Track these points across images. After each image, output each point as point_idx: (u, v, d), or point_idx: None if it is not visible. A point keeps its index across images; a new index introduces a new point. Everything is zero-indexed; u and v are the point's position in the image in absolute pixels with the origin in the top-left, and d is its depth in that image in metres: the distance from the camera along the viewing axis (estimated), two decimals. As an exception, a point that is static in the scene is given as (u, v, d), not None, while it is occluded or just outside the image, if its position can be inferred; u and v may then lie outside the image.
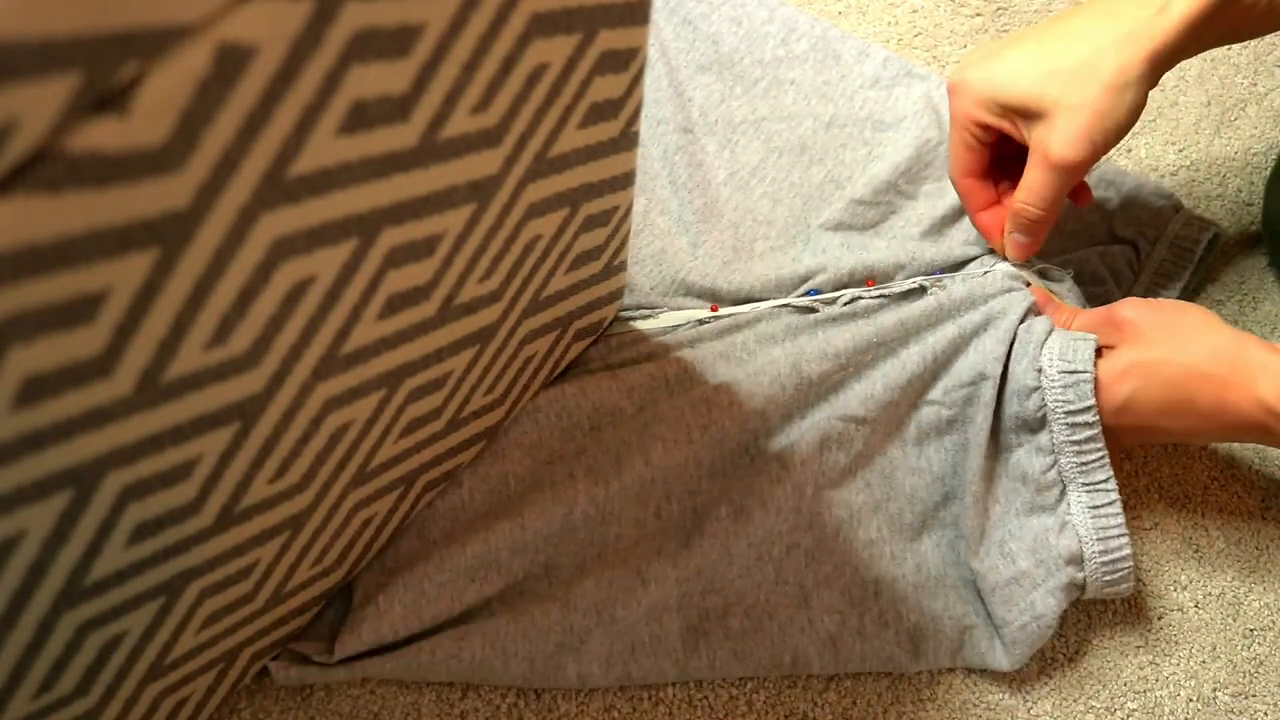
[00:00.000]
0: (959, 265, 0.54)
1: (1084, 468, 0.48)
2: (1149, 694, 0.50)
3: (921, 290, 0.52)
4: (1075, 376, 0.47)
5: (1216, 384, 0.44)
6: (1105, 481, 0.48)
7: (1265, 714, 0.51)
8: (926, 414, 0.50)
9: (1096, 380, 0.46)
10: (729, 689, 0.49)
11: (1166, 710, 0.50)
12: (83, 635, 0.32)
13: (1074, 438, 0.47)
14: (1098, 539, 0.47)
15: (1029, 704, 0.50)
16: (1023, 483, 0.49)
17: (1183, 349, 0.45)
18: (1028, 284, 0.52)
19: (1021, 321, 0.50)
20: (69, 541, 0.29)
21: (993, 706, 0.49)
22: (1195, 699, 0.51)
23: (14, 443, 0.25)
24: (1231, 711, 0.51)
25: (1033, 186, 0.48)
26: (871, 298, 0.52)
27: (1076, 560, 0.47)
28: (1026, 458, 0.49)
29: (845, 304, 0.52)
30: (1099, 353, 0.48)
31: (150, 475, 0.29)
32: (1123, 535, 0.47)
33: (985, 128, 0.49)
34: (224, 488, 0.33)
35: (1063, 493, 0.48)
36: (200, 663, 0.40)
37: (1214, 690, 0.51)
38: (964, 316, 0.50)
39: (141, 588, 0.33)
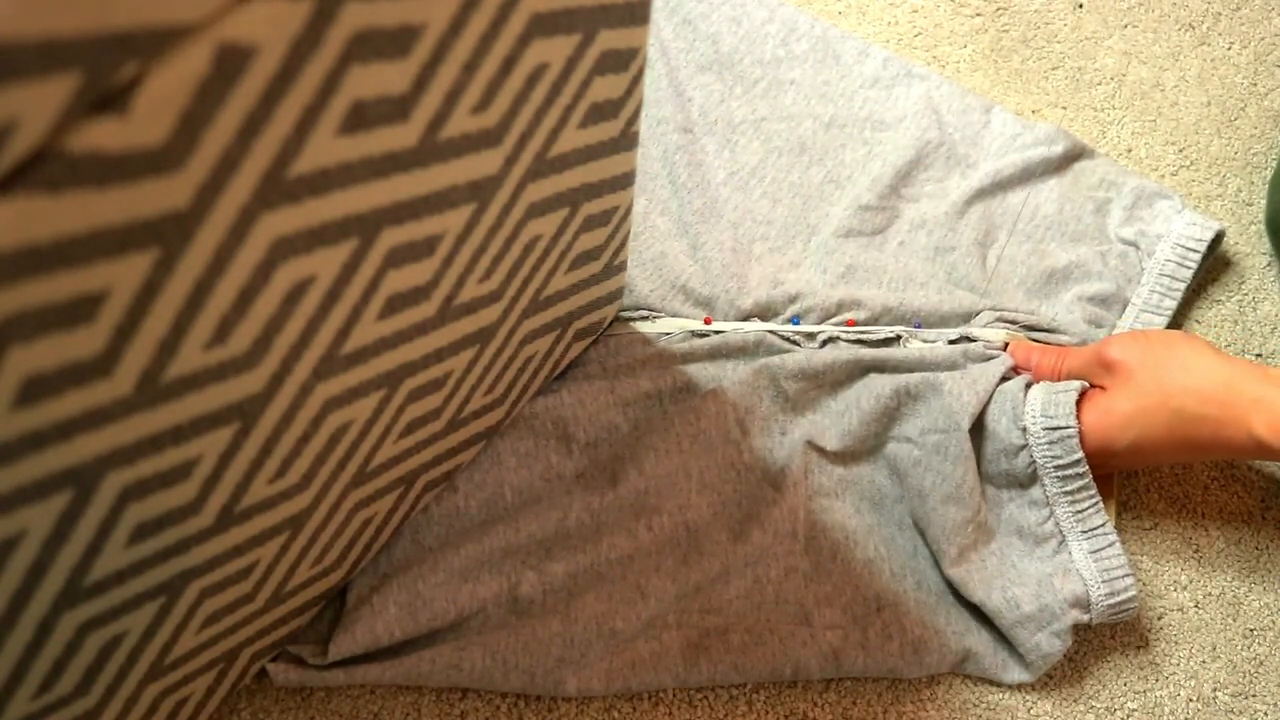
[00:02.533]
0: (943, 320, 0.54)
1: (1080, 516, 0.49)
2: (1149, 694, 0.50)
3: (898, 339, 0.53)
4: (1059, 433, 0.48)
5: (1211, 424, 0.45)
6: (1102, 526, 0.49)
7: (1265, 714, 0.50)
8: (904, 450, 0.51)
9: (1096, 429, 0.47)
10: (729, 689, 0.49)
11: (1166, 710, 0.50)
12: (83, 635, 0.32)
13: (1066, 489, 0.49)
14: (1103, 581, 0.48)
15: (1029, 704, 0.50)
16: (1019, 537, 0.50)
17: (1174, 393, 0.46)
18: (1004, 345, 0.53)
19: (1000, 381, 0.51)
20: (69, 541, 0.29)
21: (993, 706, 0.49)
22: (1195, 699, 0.51)
23: (14, 443, 0.25)
24: (1231, 711, 0.50)
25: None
26: (848, 339, 0.53)
27: (1081, 603, 0.48)
28: (1020, 513, 0.50)
29: (822, 344, 0.53)
30: (1087, 395, 0.49)
31: (150, 475, 0.29)
32: (1127, 576, 0.48)
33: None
34: (224, 488, 0.33)
35: (1062, 542, 0.49)
36: (200, 663, 0.40)
37: (1214, 690, 0.51)
38: (943, 372, 0.52)
39: (141, 588, 0.33)
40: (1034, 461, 0.49)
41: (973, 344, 0.53)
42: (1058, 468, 0.48)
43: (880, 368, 0.52)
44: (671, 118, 0.59)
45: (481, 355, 0.42)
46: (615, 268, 0.48)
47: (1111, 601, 0.48)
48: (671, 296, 0.54)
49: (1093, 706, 0.50)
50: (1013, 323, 0.54)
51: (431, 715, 0.47)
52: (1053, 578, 0.48)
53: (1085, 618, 0.48)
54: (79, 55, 0.19)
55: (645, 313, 0.53)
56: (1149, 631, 0.52)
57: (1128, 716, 0.50)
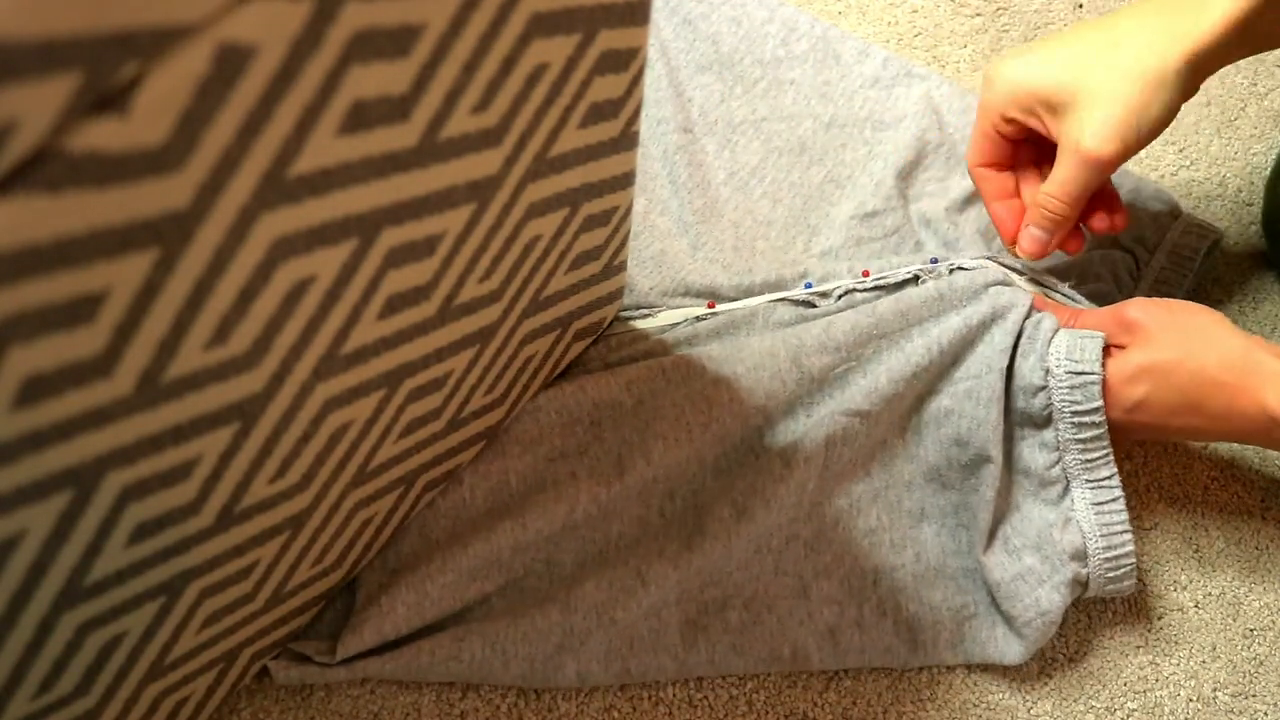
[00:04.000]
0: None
1: (1088, 465, 0.48)
2: (1149, 694, 0.50)
3: (916, 279, 0.52)
4: (1083, 378, 0.47)
5: (1227, 390, 0.44)
6: (1109, 478, 0.48)
7: (1265, 714, 0.51)
8: (933, 403, 0.50)
9: (1106, 381, 0.46)
10: (729, 688, 0.49)
11: (1166, 710, 0.50)
12: (83, 635, 0.32)
13: (1080, 436, 0.47)
14: (1101, 535, 0.48)
15: (1029, 704, 0.50)
16: (1025, 476, 0.49)
17: (1194, 354, 0.45)
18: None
19: (1028, 316, 0.49)
20: (69, 541, 0.29)
21: (993, 706, 0.49)
22: (1195, 699, 0.51)
23: (14, 443, 0.25)
24: (1231, 711, 0.51)
25: (1058, 179, 0.47)
26: (866, 289, 0.52)
27: (1080, 556, 0.47)
28: (1030, 453, 0.49)
29: (840, 296, 0.52)
30: (1108, 351, 0.47)
31: (150, 475, 0.29)
32: (1126, 532, 0.47)
33: (1010, 121, 0.48)
34: (224, 488, 0.33)
35: (1066, 489, 0.48)
36: (200, 663, 0.40)
37: (1214, 690, 0.51)
38: (968, 308, 0.49)
39: (141, 588, 0.33)
40: (1051, 404, 0.48)
41: (990, 266, 0.51)
42: (1075, 413, 0.47)
43: (904, 323, 0.50)
44: (672, 118, 0.59)
45: (481, 355, 0.42)
46: (615, 268, 0.48)
47: (1109, 556, 0.47)
48: (673, 293, 0.54)
49: (1092, 706, 0.50)
50: (1023, 274, 0.53)
51: (431, 715, 0.47)
52: (1053, 528, 0.48)
53: (1084, 571, 0.47)
54: (79, 55, 0.19)
55: (645, 311, 0.53)
56: (1149, 631, 0.52)
57: (1128, 716, 0.50)
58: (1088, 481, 0.48)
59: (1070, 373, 0.47)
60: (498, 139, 0.33)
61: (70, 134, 0.20)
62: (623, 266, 0.49)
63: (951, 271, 0.52)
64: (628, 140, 0.40)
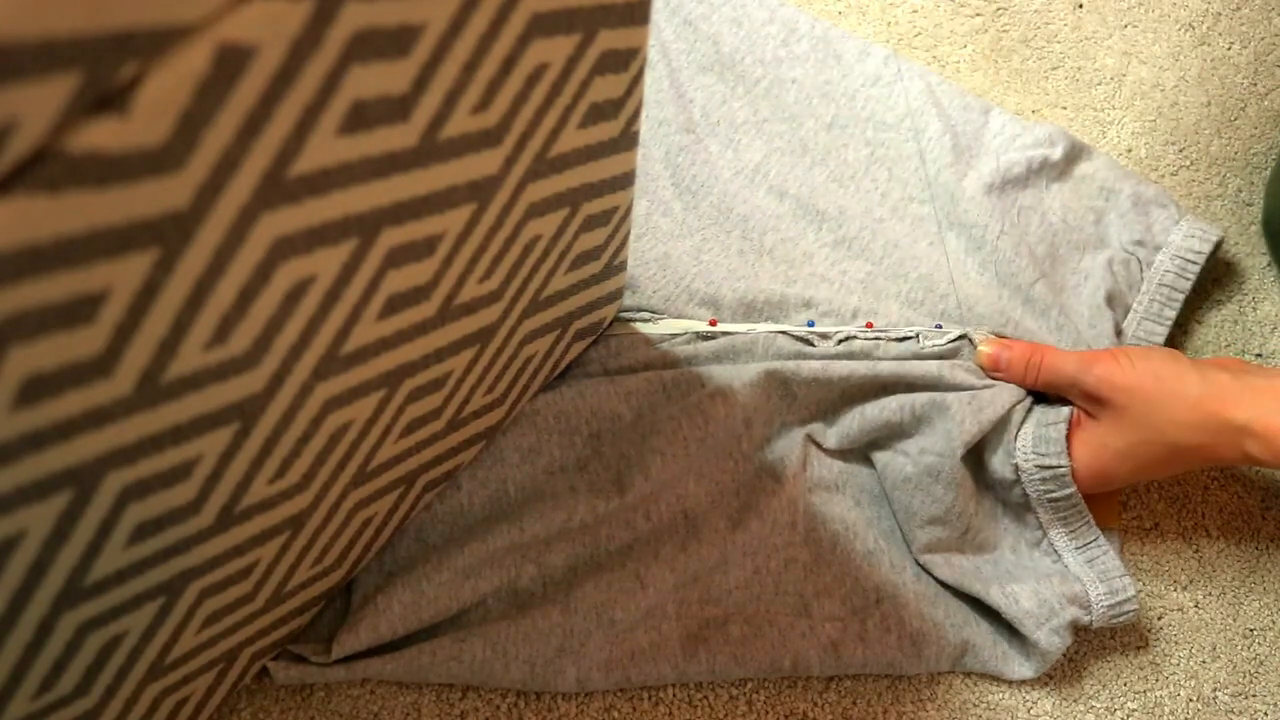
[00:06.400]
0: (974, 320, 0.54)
1: (1072, 534, 0.50)
2: (1149, 694, 0.50)
3: (916, 338, 0.53)
4: (1051, 471, 0.48)
5: (1205, 450, 0.46)
6: (1095, 540, 0.50)
7: (1265, 714, 0.51)
8: (898, 462, 0.50)
9: (1078, 466, 0.48)
10: (729, 689, 0.49)
11: (1166, 710, 0.50)
12: (83, 635, 0.32)
13: (1059, 515, 0.50)
14: (1100, 580, 0.49)
15: (1029, 704, 0.50)
16: (1013, 552, 0.51)
17: (1167, 429, 0.46)
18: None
19: (1009, 408, 0.50)
20: (69, 541, 0.29)
21: (993, 706, 0.49)
22: (1195, 699, 0.51)
23: (14, 443, 0.25)
24: (1231, 711, 0.50)
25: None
26: (866, 339, 0.53)
27: (1079, 601, 0.48)
28: (1015, 528, 0.51)
29: (840, 343, 0.53)
30: (1077, 423, 0.49)
31: (150, 475, 0.29)
32: (1124, 575, 0.48)
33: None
34: (224, 488, 0.33)
35: (1056, 559, 0.50)
36: (200, 663, 0.40)
37: (1214, 690, 0.51)
38: (955, 389, 0.51)
39: (141, 588, 0.33)
40: (1028, 495, 0.49)
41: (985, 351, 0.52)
42: (1051, 500, 0.49)
43: (895, 387, 0.51)
44: (673, 119, 0.59)
45: (481, 355, 0.42)
46: (615, 268, 0.48)
47: (1111, 601, 0.48)
48: (676, 297, 0.54)
49: (1093, 706, 0.50)
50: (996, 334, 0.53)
51: (431, 715, 0.47)
52: (1050, 578, 0.49)
53: (1086, 618, 0.48)
54: (79, 55, 0.19)
55: (647, 315, 0.53)
56: (1149, 631, 0.52)
57: (1128, 716, 0.50)
58: (1076, 547, 0.50)
59: (1039, 466, 0.49)
60: (498, 139, 0.33)
61: (70, 134, 0.20)
62: (623, 266, 0.49)
63: (956, 342, 0.52)
64: (628, 140, 0.40)
